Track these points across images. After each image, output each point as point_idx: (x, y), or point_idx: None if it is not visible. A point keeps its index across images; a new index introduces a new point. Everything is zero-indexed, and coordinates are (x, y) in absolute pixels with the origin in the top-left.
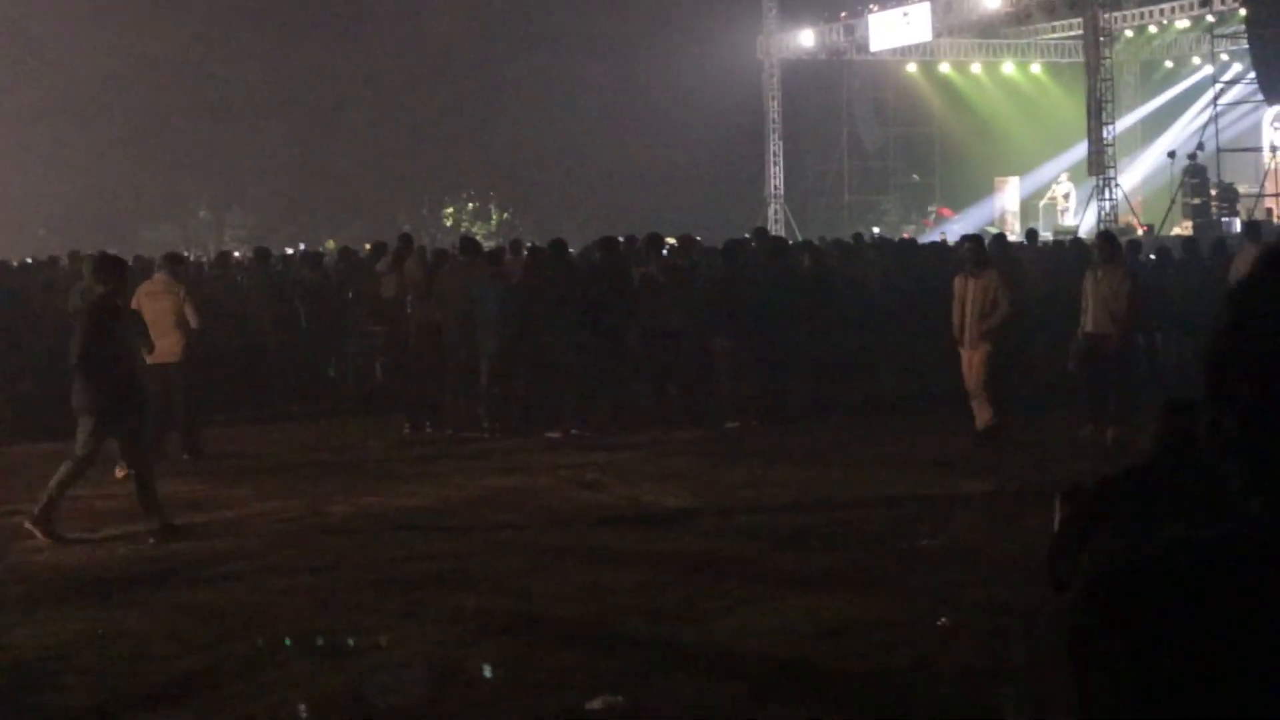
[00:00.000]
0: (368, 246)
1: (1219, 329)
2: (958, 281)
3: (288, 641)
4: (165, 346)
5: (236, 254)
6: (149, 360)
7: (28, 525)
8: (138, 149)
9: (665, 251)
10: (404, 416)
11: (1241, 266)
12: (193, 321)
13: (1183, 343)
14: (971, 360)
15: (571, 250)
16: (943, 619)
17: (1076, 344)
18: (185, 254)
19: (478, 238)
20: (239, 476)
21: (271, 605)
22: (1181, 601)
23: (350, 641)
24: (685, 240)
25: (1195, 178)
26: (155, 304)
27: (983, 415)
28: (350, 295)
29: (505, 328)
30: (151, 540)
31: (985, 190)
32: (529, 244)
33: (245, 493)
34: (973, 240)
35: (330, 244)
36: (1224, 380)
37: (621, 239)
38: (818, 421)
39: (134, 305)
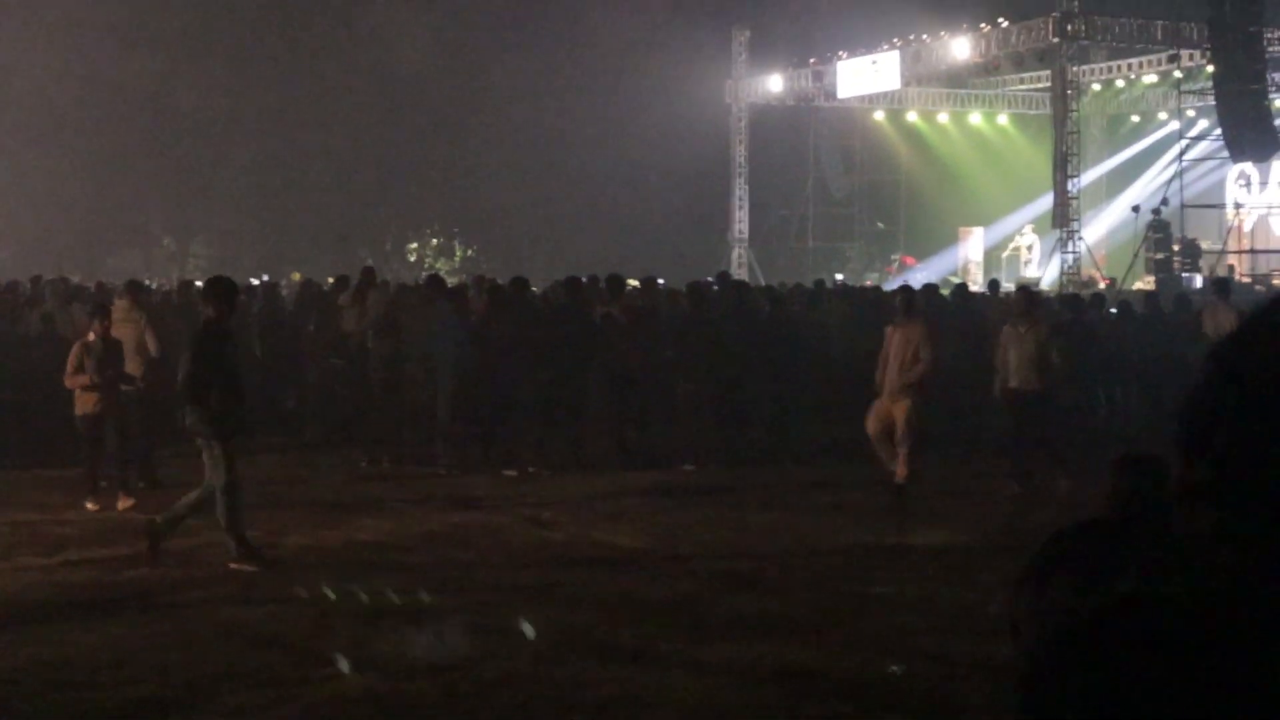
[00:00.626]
0: (330, 279)
1: (1199, 383)
2: (887, 331)
3: (237, 670)
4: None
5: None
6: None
7: (234, 566)
8: (102, 176)
9: (627, 293)
10: (362, 450)
11: (1211, 322)
12: (153, 349)
13: (1141, 396)
14: (888, 410)
15: (534, 289)
16: (894, 666)
17: (998, 400)
18: (148, 282)
19: (441, 273)
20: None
21: (221, 636)
22: (1149, 653)
23: (298, 674)
24: (647, 282)
25: (1159, 233)
26: (116, 331)
27: (903, 468)
28: (311, 328)
29: (465, 365)
30: (230, 565)
31: (949, 240)
32: (490, 282)
33: (200, 522)
34: (903, 290)
35: (295, 276)
36: (1202, 433)
37: (584, 279)
38: (774, 466)
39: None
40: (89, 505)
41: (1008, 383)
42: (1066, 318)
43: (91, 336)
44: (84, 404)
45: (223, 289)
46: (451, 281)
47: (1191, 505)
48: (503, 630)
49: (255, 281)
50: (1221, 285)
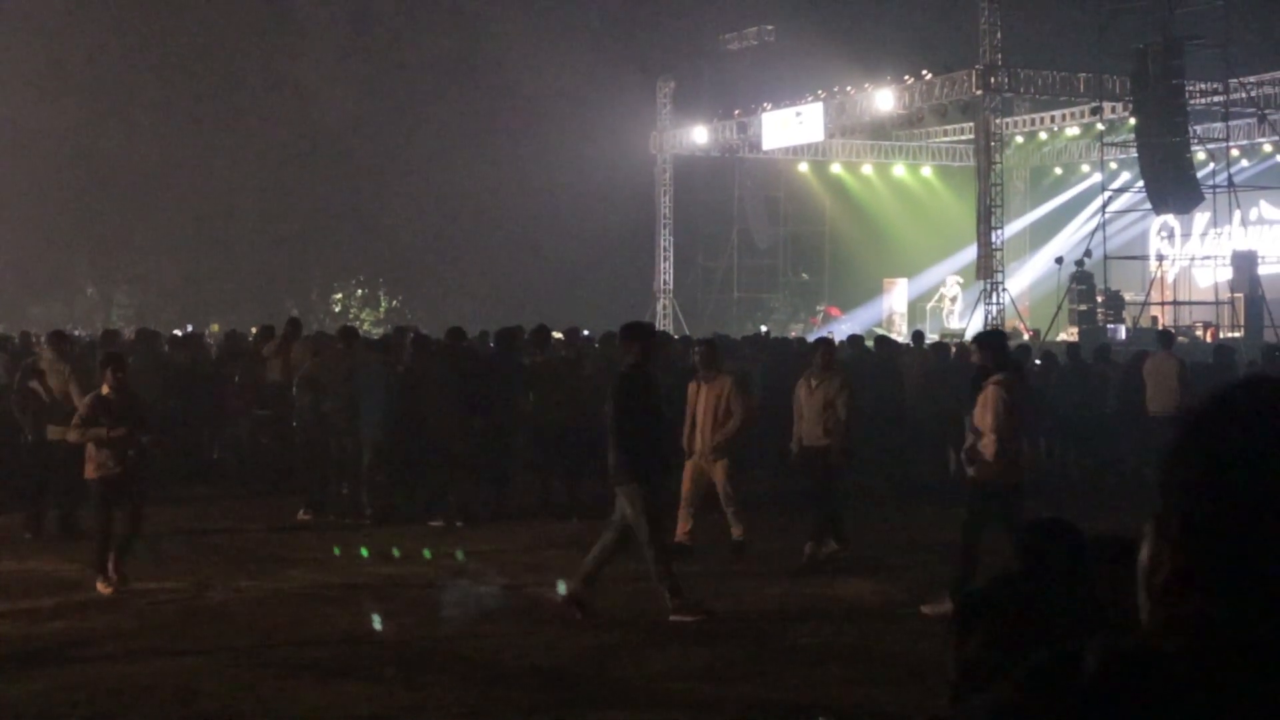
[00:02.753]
0: (254, 330)
1: (1172, 469)
2: (691, 388)
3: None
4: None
5: (127, 333)
6: (30, 437)
7: (674, 618)
8: (25, 224)
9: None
10: (302, 501)
11: (1153, 371)
12: (77, 400)
13: (1066, 448)
14: (703, 471)
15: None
16: (820, 717)
17: (793, 458)
18: (72, 331)
19: (365, 324)
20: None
21: (145, 687)
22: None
23: None
24: (571, 333)
25: (1082, 284)
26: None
27: (736, 528)
28: (236, 379)
29: (390, 415)
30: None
31: (873, 291)
32: (413, 332)
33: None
34: (704, 344)
35: (214, 327)
36: (1184, 519)
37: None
38: (701, 517)
39: (18, 382)
40: (101, 587)
41: (802, 440)
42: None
43: (105, 389)
44: (101, 464)
45: (643, 332)
46: (377, 332)
47: (1177, 592)
48: (428, 684)
49: (179, 332)
50: (1166, 337)
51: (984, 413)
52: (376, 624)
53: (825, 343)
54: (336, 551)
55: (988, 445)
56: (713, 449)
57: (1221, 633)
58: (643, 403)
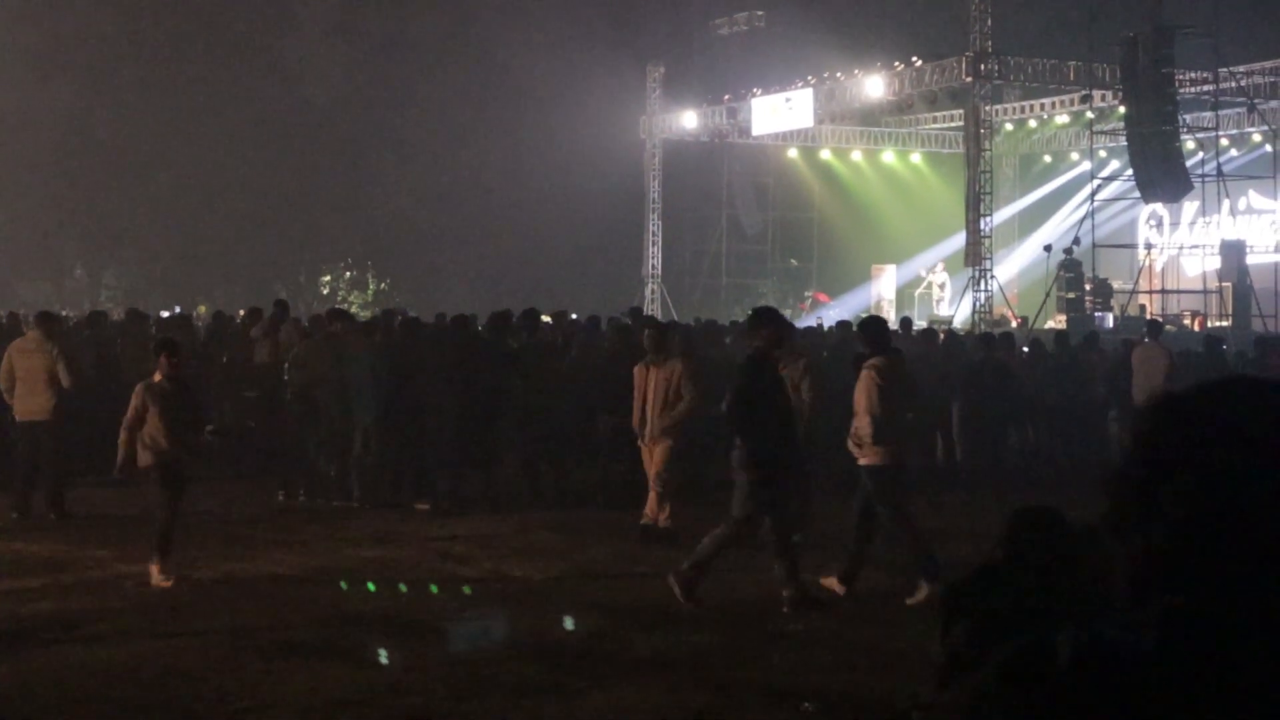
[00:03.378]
0: (241, 312)
1: (1129, 467)
2: (638, 371)
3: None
4: (36, 404)
5: (115, 314)
6: (17, 418)
7: (670, 579)
8: (15, 206)
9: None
10: (278, 483)
11: (1141, 360)
12: (64, 381)
13: (1053, 433)
14: (652, 453)
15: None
16: (805, 704)
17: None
18: (60, 312)
19: (354, 306)
20: (105, 538)
21: (130, 668)
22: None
23: (208, 707)
24: (559, 316)
25: (1070, 272)
26: (27, 361)
27: (661, 512)
28: (224, 360)
29: (380, 398)
30: (785, 609)
31: (862, 277)
32: (401, 315)
33: (110, 554)
34: (653, 327)
35: (202, 308)
36: (1138, 519)
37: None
38: (688, 502)
39: (5, 363)
40: (158, 579)
41: None
42: (979, 356)
43: (158, 376)
44: (158, 451)
45: (773, 317)
46: (365, 314)
47: (1142, 586)
48: (414, 667)
49: (166, 314)
50: (1155, 327)
51: (859, 395)
52: (371, 586)
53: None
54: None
55: (863, 427)
56: (661, 430)
57: (1194, 626)
58: (766, 391)
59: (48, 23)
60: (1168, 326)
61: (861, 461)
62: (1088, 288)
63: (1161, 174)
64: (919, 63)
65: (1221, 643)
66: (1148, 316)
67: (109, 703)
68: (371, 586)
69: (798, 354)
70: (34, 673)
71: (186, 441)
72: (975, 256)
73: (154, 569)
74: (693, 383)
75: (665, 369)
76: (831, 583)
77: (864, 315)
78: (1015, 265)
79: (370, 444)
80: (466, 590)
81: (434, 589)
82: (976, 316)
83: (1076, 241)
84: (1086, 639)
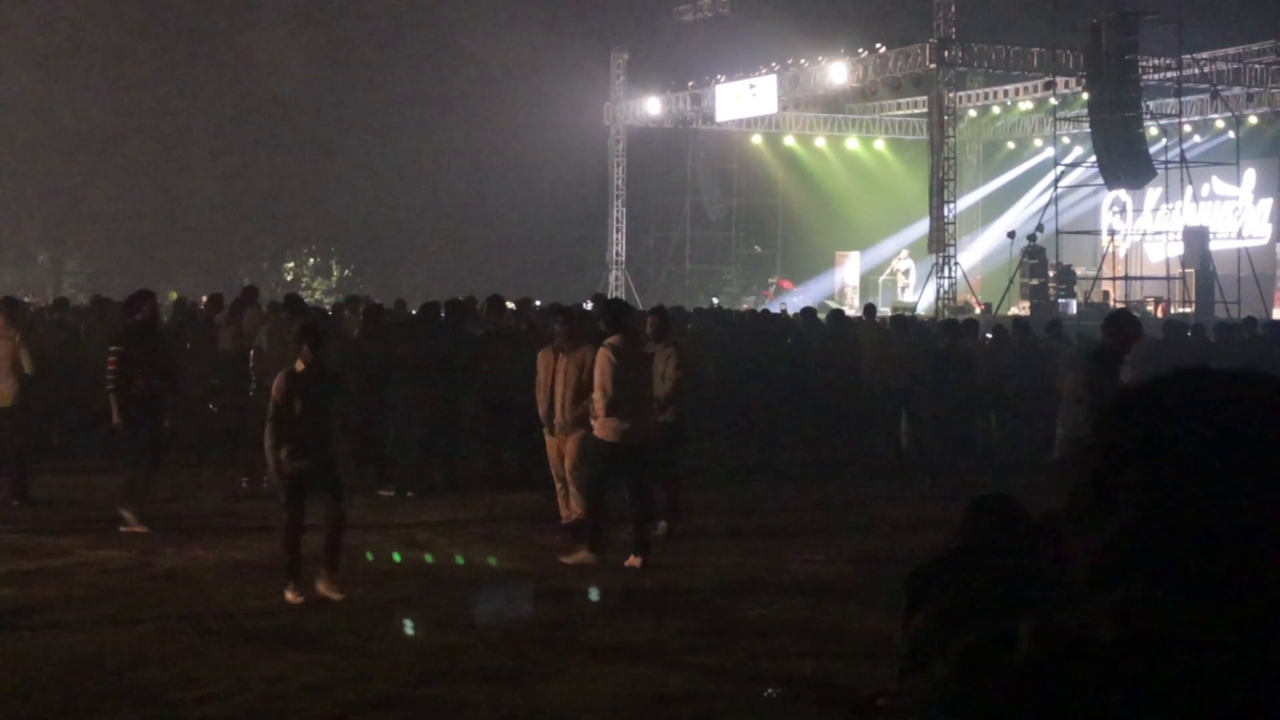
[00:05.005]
0: (204, 298)
1: (1090, 455)
2: (542, 358)
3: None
4: None
5: (79, 300)
6: None
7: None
8: None
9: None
10: (241, 469)
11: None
12: (27, 367)
13: (1016, 421)
14: (563, 446)
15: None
16: (769, 690)
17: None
18: (23, 299)
19: (317, 293)
20: (69, 525)
21: (95, 655)
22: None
23: (173, 695)
24: (523, 303)
25: (1034, 259)
26: None
27: (576, 507)
28: (187, 346)
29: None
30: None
31: (826, 264)
32: (367, 302)
33: (74, 541)
34: (563, 314)
35: (173, 295)
36: (1097, 506)
37: (461, 299)
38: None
39: None
40: (290, 596)
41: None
42: (944, 343)
43: (300, 365)
44: (291, 455)
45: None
46: (329, 301)
47: (1100, 578)
48: (378, 653)
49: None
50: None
51: (596, 373)
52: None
53: (656, 312)
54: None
55: (596, 403)
56: (572, 422)
57: (1153, 618)
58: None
59: (9, 10)
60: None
61: (595, 433)
62: (1051, 274)
63: (1125, 160)
64: (883, 49)
65: (1179, 634)
66: (1112, 303)
67: (73, 690)
68: (370, 557)
69: (668, 341)
70: None
71: (331, 433)
72: (939, 243)
73: (288, 593)
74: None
75: (576, 356)
76: (636, 562)
77: (604, 297)
78: (979, 252)
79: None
80: (425, 560)
81: (398, 560)
82: (940, 303)
83: (1040, 228)
84: (1045, 630)
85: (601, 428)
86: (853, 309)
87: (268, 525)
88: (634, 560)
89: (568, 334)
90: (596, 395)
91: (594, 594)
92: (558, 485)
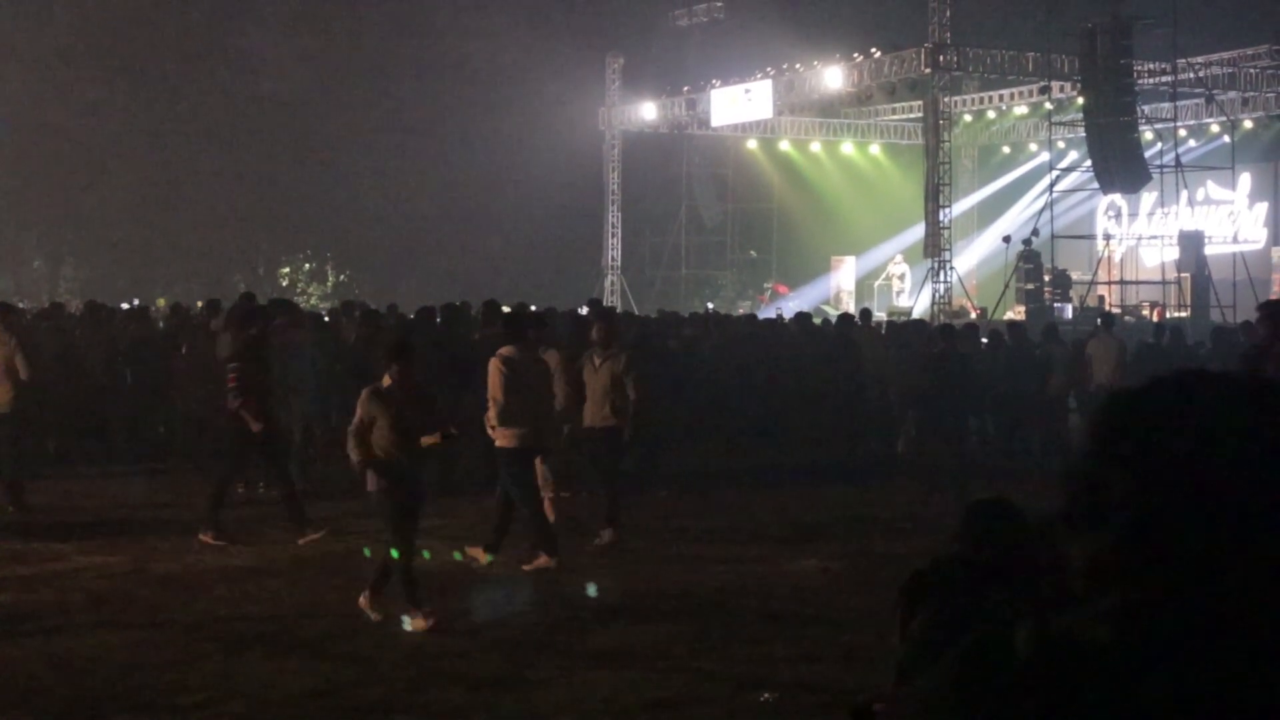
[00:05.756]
0: (200, 304)
1: (1085, 460)
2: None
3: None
4: None
5: (73, 305)
6: None
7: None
8: None
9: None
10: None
11: (1097, 352)
12: (23, 373)
13: (1011, 425)
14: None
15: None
16: (766, 695)
17: (579, 442)
18: (19, 304)
19: (313, 299)
20: (64, 530)
21: (91, 660)
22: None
23: (169, 700)
24: (518, 308)
25: (1029, 263)
26: None
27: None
28: (184, 351)
29: (328, 389)
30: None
31: (821, 268)
32: (363, 307)
33: (69, 547)
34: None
35: (161, 301)
36: (1094, 510)
37: (457, 304)
38: (647, 493)
39: None
40: (419, 623)
41: (585, 421)
42: (939, 347)
43: (387, 381)
44: (383, 470)
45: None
46: (324, 307)
47: (1096, 581)
48: (374, 658)
49: (126, 306)
50: (1107, 319)
51: (489, 382)
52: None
53: (603, 317)
54: (367, 553)
55: (490, 412)
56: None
57: (1150, 621)
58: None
59: (6, 11)
60: (1126, 317)
61: (497, 444)
62: (1046, 278)
63: (1120, 165)
64: (878, 54)
65: (1177, 636)
66: (1107, 307)
67: (68, 695)
68: (368, 551)
69: (618, 348)
70: None
71: (420, 453)
72: (934, 248)
73: (412, 618)
74: (563, 379)
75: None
76: (477, 551)
77: (503, 307)
78: (974, 256)
79: (314, 436)
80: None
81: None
82: (936, 307)
83: (1035, 232)
84: (1044, 632)
85: (500, 436)
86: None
87: (262, 530)
88: (475, 551)
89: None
90: (490, 404)
91: (592, 595)
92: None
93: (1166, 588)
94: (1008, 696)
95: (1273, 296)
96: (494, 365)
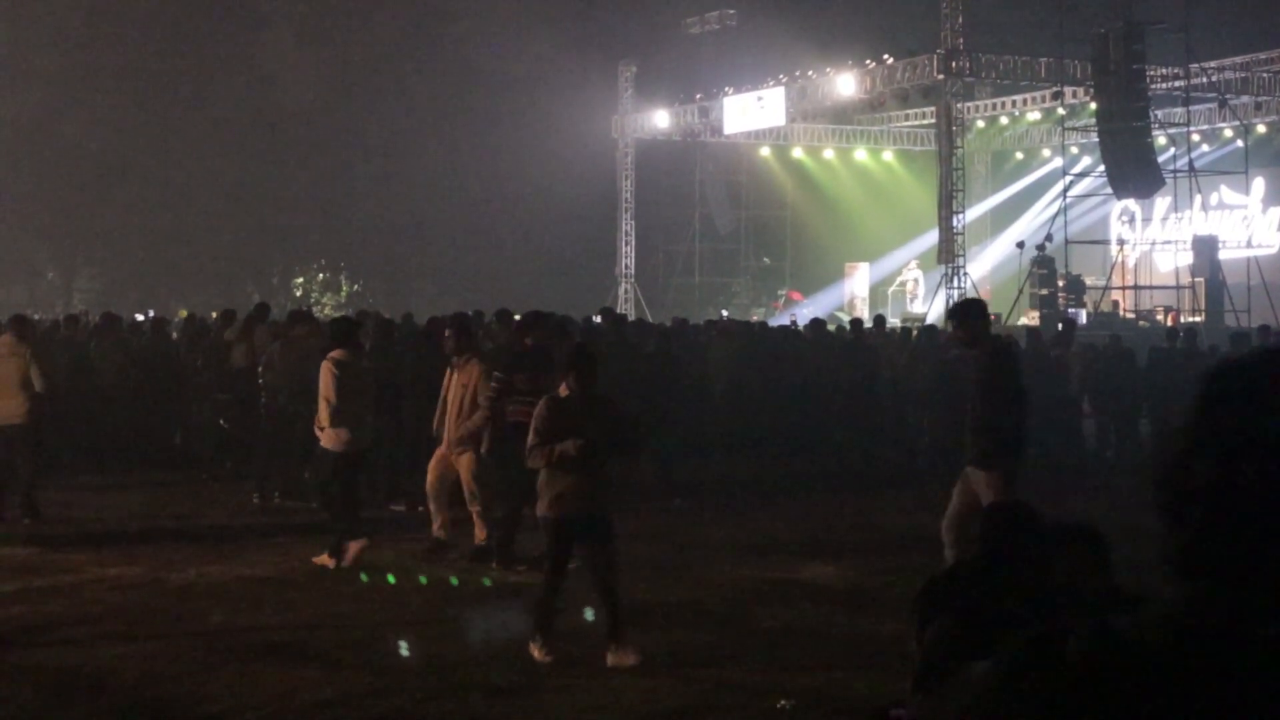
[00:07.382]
0: (214, 314)
1: (1176, 451)
2: (447, 374)
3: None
4: (9, 408)
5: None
6: None
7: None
8: None
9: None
10: (253, 486)
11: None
12: (37, 384)
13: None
14: (450, 463)
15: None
16: (782, 702)
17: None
18: (33, 315)
19: (327, 308)
20: (80, 541)
21: (107, 671)
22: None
23: (187, 712)
24: (529, 316)
25: (1043, 268)
26: (0, 366)
27: (479, 531)
28: (199, 363)
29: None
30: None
31: (835, 275)
32: (377, 316)
33: (85, 558)
34: (455, 326)
35: (183, 312)
36: (1179, 504)
37: (469, 313)
38: (661, 502)
39: None
40: (538, 653)
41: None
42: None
43: (564, 390)
44: (559, 495)
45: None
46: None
47: (1173, 575)
48: (389, 668)
49: (141, 317)
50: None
51: (320, 385)
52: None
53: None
54: (391, 580)
55: (321, 413)
56: (456, 441)
57: (1208, 624)
58: (1012, 381)
59: (19, 29)
60: (1140, 322)
61: (322, 444)
62: (1060, 284)
63: (1133, 170)
64: (890, 60)
65: (1234, 640)
66: (1121, 312)
67: (84, 707)
68: (392, 579)
69: (472, 355)
70: (8, 677)
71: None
72: (948, 254)
73: (535, 649)
74: (489, 389)
75: (465, 372)
76: (323, 559)
77: (334, 315)
78: (988, 262)
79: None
80: (453, 581)
81: (423, 580)
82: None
83: (1049, 238)
84: (1097, 632)
85: (327, 438)
86: (863, 320)
87: (278, 541)
88: (325, 559)
89: (460, 348)
90: (321, 405)
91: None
92: (432, 502)
93: (1228, 584)
94: (1059, 697)
95: None
96: (326, 368)
